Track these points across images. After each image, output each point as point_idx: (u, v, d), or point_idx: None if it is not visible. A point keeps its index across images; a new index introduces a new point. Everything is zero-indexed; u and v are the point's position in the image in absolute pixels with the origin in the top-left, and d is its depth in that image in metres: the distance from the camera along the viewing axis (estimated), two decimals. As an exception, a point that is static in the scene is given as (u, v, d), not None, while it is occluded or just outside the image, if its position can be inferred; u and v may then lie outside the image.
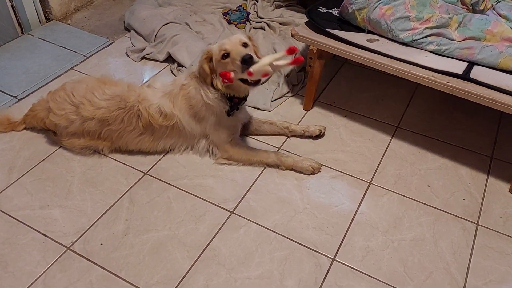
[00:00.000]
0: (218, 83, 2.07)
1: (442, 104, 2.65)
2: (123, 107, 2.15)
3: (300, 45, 2.84)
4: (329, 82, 2.82)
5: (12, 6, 3.12)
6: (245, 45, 2.01)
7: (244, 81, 2.00)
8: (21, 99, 2.63)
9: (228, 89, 2.09)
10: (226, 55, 1.97)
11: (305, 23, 2.48)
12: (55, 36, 3.13)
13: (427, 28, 2.22)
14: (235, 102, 2.14)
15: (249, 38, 2.09)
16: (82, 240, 1.90)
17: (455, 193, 2.16)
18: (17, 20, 3.18)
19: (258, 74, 1.90)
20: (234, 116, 2.20)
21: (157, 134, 2.22)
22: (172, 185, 2.16)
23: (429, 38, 2.22)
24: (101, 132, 2.18)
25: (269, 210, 2.06)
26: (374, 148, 2.39)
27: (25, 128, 2.40)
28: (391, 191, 2.16)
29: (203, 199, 2.10)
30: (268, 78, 2.35)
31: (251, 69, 1.88)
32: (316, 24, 2.40)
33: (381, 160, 2.32)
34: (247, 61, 1.89)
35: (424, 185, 2.19)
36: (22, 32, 3.22)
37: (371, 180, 2.21)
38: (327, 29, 2.36)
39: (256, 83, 1.98)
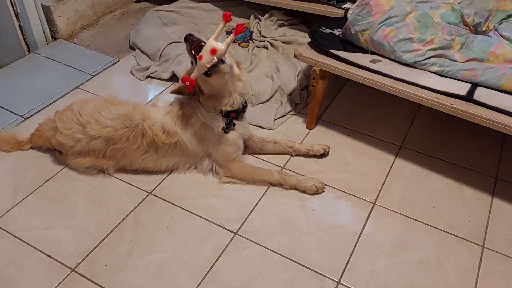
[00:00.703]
0: (201, 99, 2.10)
1: (446, 122, 2.66)
2: (128, 126, 2.17)
3: (303, 65, 2.86)
4: (332, 100, 2.84)
5: (19, 25, 3.17)
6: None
7: (206, 74, 1.93)
8: (28, 118, 2.65)
9: (213, 101, 2.08)
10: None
11: (308, 43, 2.51)
12: (62, 55, 3.17)
13: (430, 49, 2.24)
14: (232, 117, 2.16)
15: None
16: (87, 262, 1.91)
17: (460, 214, 2.16)
18: (24, 39, 3.23)
19: (207, 53, 1.86)
20: (233, 132, 2.22)
21: (160, 153, 2.23)
22: (176, 205, 2.16)
23: (432, 59, 2.24)
24: (106, 151, 2.20)
25: (273, 231, 2.06)
26: (378, 168, 2.39)
27: (31, 148, 2.42)
28: (396, 212, 2.16)
29: (206, 219, 2.10)
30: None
31: (201, 54, 1.87)
32: (319, 44, 2.42)
33: (385, 180, 2.32)
34: (187, 38, 1.92)
35: (429, 206, 2.19)
36: (29, 51, 3.27)
37: (375, 201, 2.21)
38: (330, 50, 2.38)
39: (214, 66, 1.90)
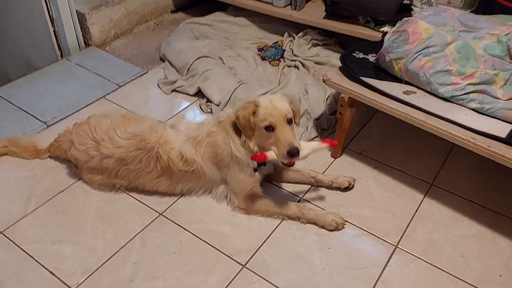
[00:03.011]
0: (251, 144, 2.02)
1: (482, 162, 2.43)
2: (143, 148, 2.11)
3: (331, 90, 2.74)
4: (361, 128, 2.69)
5: (54, 31, 3.21)
6: (289, 121, 1.95)
7: None
8: (51, 125, 2.66)
9: (260, 150, 2.03)
10: (269, 128, 1.92)
11: (339, 68, 2.38)
12: (92, 63, 3.18)
13: (470, 84, 2.07)
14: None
15: (291, 102, 2.02)
16: (88, 282, 1.85)
17: (491, 266, 1.96)
18: (58, 45, 3.27)
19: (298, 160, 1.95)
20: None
21: (175, 178, 2.16)
22: (186, 229, 2.08)
23: (471, 95, 2.07)
24: (119, 170, 2.15)
25: (284, 267, 1.94)
26: (405, 206, 2.23)
27: (49, 157, 2.41)
28: (420, 258, 1.99)
29: (215, 248, 2.00)
30: None
31: (296, 160, 1.93)
32: (350, 71, 2.29)
33: (410, 221, 2.16)
34: (294, 156, 1.88)
35: (457, 255, 2.00)
36: (62, 56, 3.31)
37: (398, 243, 2.05)
38: (361, 77, 2.25)
39: (291, 165, 1.99)
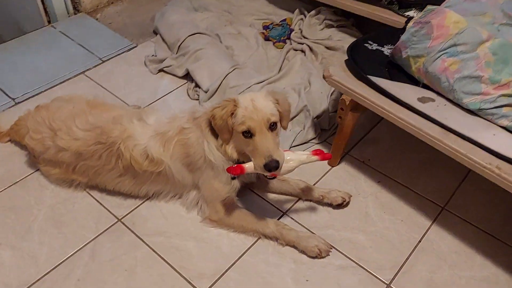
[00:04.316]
0: (228, 149, 1.70)
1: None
2: (103, 142, 1.81)
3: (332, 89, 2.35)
4: (368, 132, 2.30)
5: (40, -7, 2.90)
6: (272, 126, 1.61)
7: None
8: (19, 103, 2.39)
9: (240, 156, 1.71)
10: (248, 133, 1.60)
11: (345, 61, 1.99)
12: (77, 32, 2.87)
13: (504, 95, 1.67)
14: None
15: (278, 102, 1.66)
16: (21, 299, 1.61)
17: (503, 323, 1.61)
18: (44, 9, 2.96)
19: (280, 175, 1.68)
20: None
21: (140, 179, 1.86)
22: (144, 242, 1.80)
23: (504, 110, 1.67)
24: (76, 166, 1.87)
25: (250, 300, 1.64)
26: (406, 234, 1.87)
27: (9, 141, 2.16)
28: (415, 303, 1.65)
29: (174, 268, 1.72)
30: None
31: (276, 173, 1.63)
32: (357, 67, 1.89)
33: (411, 254, 1.80)
34: (272, 170, 1.57)
35: (462, 303, 1.66)
36: (49, 22, 3.00)
37: (391, 282, 1.71)
38: (369, 76, 1.86)
39: (272, 178, 1.72)
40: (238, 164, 1.65)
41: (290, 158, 1.64)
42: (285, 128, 1.73)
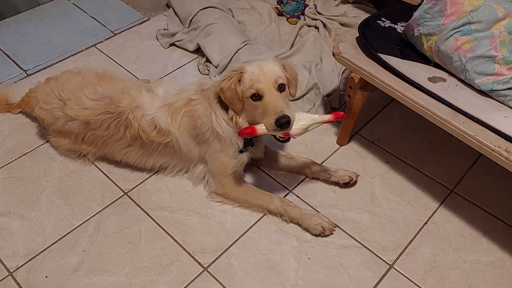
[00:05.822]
0: (240, 120, 1.67)
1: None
2: (112, 111, 1.82)
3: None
4: (379, 111, 2.26)
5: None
6: (281, 87, 1.59)
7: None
8: (31, 74, 2.41)
9: (244, 119, 1.69)
10: (256, 96, 1.57)
11: (356, 38, 1.93)
12: (91, 4, 2.86)
13: (518, 76, 1.59)
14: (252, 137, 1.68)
15: (285, 68, 1.64)
16: (28, 267, 1.65)
17: (505, 309, 1.59)
18: (59, -21, 2.95)
19: (292, 135, 1.58)
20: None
21: (147, 150, 1.87)
22: (149, 215, 1.82)
23: (517, 92, 1.60)
24: (85, 136, 1.89)
25: (251, 275, 1.65)
26: (412, 216, 1.85)
27: (21, 112, 2.19)
28: (416, 284, 1.64)
29: (177, 242, 1.74)
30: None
31: (287, 131, 1.55)
32: (367, 44, 1.84)
33: (415, 236, 1.79)
34: (284, 126, 1.52)
35: (465, 286, 1.64)
36: (63, -8, 2.99)
37: (394, 263, 1.70)
38: (379, 54, 1.80)
39: (286, 140, 1.62)
40: (250, 125, 1.61)
41: (302, 118, 1.58)
42: (293, 95, 1.70)
